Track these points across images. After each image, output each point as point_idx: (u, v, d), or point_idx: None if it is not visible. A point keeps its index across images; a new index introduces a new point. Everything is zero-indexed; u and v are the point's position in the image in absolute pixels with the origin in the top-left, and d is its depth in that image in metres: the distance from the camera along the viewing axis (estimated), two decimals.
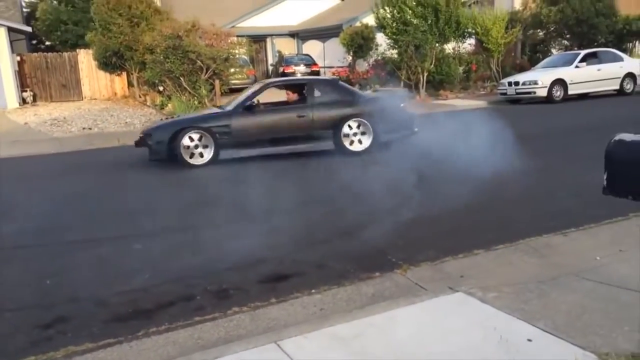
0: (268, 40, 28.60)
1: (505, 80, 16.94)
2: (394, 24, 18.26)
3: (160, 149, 8.86)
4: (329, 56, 26.01)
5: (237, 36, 17.25)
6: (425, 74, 18.51)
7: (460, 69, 19.98)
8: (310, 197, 6.96)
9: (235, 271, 4.48)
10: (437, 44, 18.36)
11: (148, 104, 19.19)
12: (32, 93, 21.72)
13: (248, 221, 5.91)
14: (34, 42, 26.49)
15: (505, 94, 16.67)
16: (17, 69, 20.85)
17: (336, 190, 7.15)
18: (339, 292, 3.99)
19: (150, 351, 3.32)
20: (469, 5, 28.89)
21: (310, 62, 25.16)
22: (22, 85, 21.34)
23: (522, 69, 19.88)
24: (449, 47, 19.80)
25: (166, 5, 22.88)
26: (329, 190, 7.24)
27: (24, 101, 20.95)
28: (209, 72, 14.74)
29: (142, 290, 4.20)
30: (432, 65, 18.50)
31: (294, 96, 9.96)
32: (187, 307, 3.88)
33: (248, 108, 9.12)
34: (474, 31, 19.73)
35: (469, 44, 20.90)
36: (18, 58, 21.38)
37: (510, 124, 9.93)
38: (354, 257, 4.66)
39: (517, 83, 16.22)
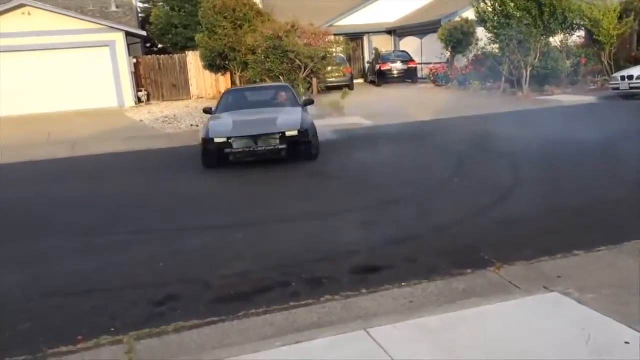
0: (365, 37, 28.71)
1: (618, 75, 15.82)
2: (496, 18, 17.66)
3: None
4: (426, 52, 25.66)
5: (335, 35, 17.57)
6: (529, 69, 17.74)
7: (568, 63, 18.92)
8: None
9: (329, 261, 4.67)
10: (542, 38, 17.53)
11: None
12: (146, 93, 23.40)
13: (348, 212, 6.10)
14: (148, 45, 28.47)
15: (617, 89, 15.58)
16: (133, 70, 22.55)
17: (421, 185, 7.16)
18: (430, 287, 4.05)
19: (250, 330, 3.59)
20: None
21: (407, 58, 24.97)
22: (138, 86, 23.04)
23: (637, 62, 18.45)
24: (556, 40, 18.82)
25: (267, 7, 23.71)
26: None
27: (139, 100, 22.63)
28: (307, 70, 15.14)
29: (242, 275, 4.51)
30: (537, 60, 17.69)
31: None
32: (284, 292, 4.12)
33: None
34: (582, 23, 18.60)
35: (577, 37, 19.73)
36: (134, 60, 23.11)
37: (620, 120, 9.35)
38: (446, 253, 4.68)
39: (631, 77, 15.09)
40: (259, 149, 8.32)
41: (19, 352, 3.48)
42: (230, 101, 9.98)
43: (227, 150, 8.19)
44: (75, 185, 8.73)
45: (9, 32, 19.76)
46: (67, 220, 6.67)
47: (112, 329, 3.70)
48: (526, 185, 6.87)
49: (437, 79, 22.42)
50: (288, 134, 8.37)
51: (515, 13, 17.20)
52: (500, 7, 17.49)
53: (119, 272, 4.81)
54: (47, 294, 4.39)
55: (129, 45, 22.41)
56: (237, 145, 8.20)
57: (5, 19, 19.94)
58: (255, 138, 8.28)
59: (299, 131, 8.43)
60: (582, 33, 19.79)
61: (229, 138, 8.21)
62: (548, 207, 5.84)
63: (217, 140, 8.20)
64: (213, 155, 8.39)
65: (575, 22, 18.33)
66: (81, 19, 20.95)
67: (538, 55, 17.65)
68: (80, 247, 5.56)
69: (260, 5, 22.78)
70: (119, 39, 21.51)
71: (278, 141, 8.35)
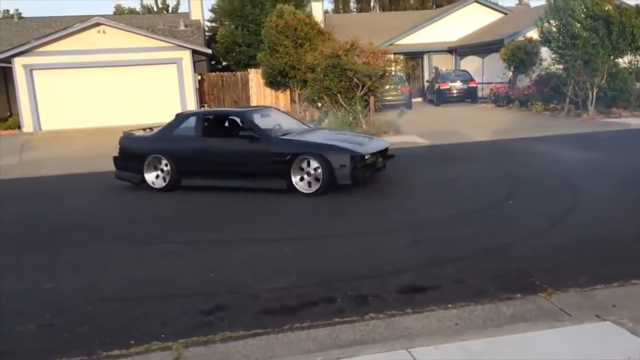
0: (425, 56, 28.59)
1: None
2: (561, 38, 17.21)
3: None
4: (487, 72, 25.25)
5: (394, 53, 17.58)
6: (595, 90, 17.13)
7: (638, 84, 18.13)
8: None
9: (375, 279, 4.68)
10: (609, 58, 16.91)
11: (307, 119, 20.32)
12: (209, 108, 24.21)
13: (397, 229, 6.09)
14: (213, 62, 29.48)
15: None
16: (197, 86, 23.40)
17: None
18: (476, 310, 3.98)
19: (293, 344, 3.64)
20: None
21: (467, 78, 24.65)
22: (201, 101, 23.87)
23: None
24: (624, 60, 18.10)
25: (328, 26, 24.08)
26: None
27: None
28: (364, 89, 15.21)
29: (288, 289, 4.58)
30: (603, 81, 17.07)
31: None
32: (328, 308, 4.16)
33: None
34: None
35: None
36: (199, 77, 23.99)
37: None
38: (495, 276, 4.59)
39: None
40: (379, 164, 8.67)
41: (75, 353, 3.67)
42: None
43: (360, 165, 8.04)
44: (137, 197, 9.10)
45: (84, 48, 21.00)
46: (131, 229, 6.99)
47: (163, 335, 3.85)
48: (585, 210, 6.64)
49: (498, 99, 21.99)
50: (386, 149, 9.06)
51: (582, 33, 16.72)
52: (565, 27, 17.04)
53: (171, 280, 4.99)
54: (104, 299, 4.61)
55: (194, 62, 23.29)
56: (369, 160, 8.31)
57: (81, 37, 21.22)
58: (377, 154, 8.60)
59: (387, 148, 9.12)
60: None
61: (365, 155, 8.19)
62: (607, 234, 5.62)
63: (367, 157, 8.17)
64: (361, 171, 8.09)
65: None
66: (152, 37, 21.97)
67: (605, 76, 17.03)
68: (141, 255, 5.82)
69: (322, 25, 23.17)
70: (186, 57, 22.41)
71: (381, 157, 8.79)
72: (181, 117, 9.43)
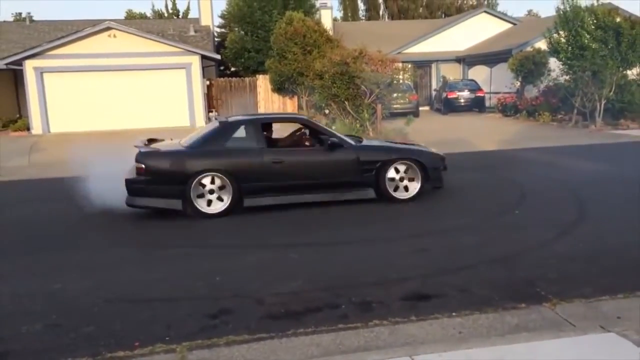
0: (433, 65, 28.63)
1: None
2: (569, 49, 17.21)
3: None
4: (495, 82, 25.25)
5: (402, 62, 17.66)
6: (603, 102, 17.10)
7: None
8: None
9: (380, 286, 4.69)
10: (618, 70, 16.88)
11: None
12: (216, 113, 24.30)
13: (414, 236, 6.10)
14: (222, 67, 29.65)
15: None
16: (205, 91, 23.53)
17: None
18: (480, 318, 3.98)
19: (297, 349, 3.66)
20: None
21: (475, 87, 24.65)
22: (209, 106, 24.00)
23: None
24: (633, 72, 18.07)
25: (337, 33, 24.19)
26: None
27: (209, 120, 23.54)
28: (372, 96, 15.25)
29: (294, 294, 4.60)
30: (612, 93, 17.04)
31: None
32: (332, 314, 4.17)
33: None
34: None
35: None
36: (207, 82, 24.13)
37: None
38: (501, 285, 4.59)
39: None
40: None
41: (80, 354, 3.70)
42: None
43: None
44: None
45: (95, 52, 21.19)
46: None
47: (167, 338, 3.87)
48: (591, 221, 6.62)
49: (506, 109, 21.98)
50: None
51: (591, 44, 16.71)
52: (574, 38, 17.04)
53: (178, 283, 5.02)
54: (110, 300, 4.64)
55: (203, 67, 23.44)
56: None
57: (92, 41, 21.41)
58: None
59: None
60: None
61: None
62: (613, 245, 5.61)
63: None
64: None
65: None
66: (162, 42, 22.14)
67: (613, 87, 17.00)
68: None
69: (331, 32, 23.27)
70: (195, 62, 22.55)
71: None
72: (231, 125, 7.92)
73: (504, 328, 3.81)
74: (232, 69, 29.27)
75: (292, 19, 20.43)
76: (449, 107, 24.27)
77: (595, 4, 17.40)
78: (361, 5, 46.56)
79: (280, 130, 9.18)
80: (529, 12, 43.83)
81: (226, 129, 7.83)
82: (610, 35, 16.51)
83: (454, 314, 4.07)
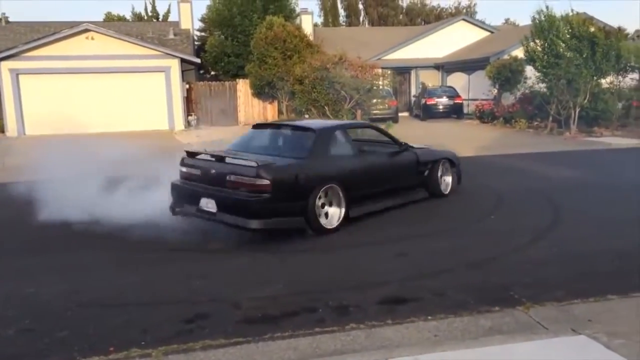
0: (412, 72, 28.89)
1: None
2: (545, 57, 17.54)
3: None
4: (473, 89, 25.58)
5: (382, 68, 17.82)
6: (578, 110, 17.46)
7: (619, 105, 18.52)
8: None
9: (357, 290, 4.72)
10: (592, 78, 17.26)
11: None
12: (196, 117, 24.16)
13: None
14: (202, 71, 29.50)
15: None
16: (185, 95, 23.38)
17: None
18: (456, 321, 4.04)
19: (274, 353, 3.66)
20: (633, 39, 26.81)
21: (453, 94, 24.94)
22: (188, 110, 23.85)
23: None
24: (607, 81, 18.49)
25: (318, 39, 24.30)
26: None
27: (189, 124, 23.39)
28: (352, 102, 15.37)
29: (272, 298, 4.61)
30: (586, 101, 17.40)
31: None
32: (310, 318, 4.19)
33: None
34: (638, 65, 18.25)
35: (630, 79, 19.34)
36: (187, 86, 23.98)
37: None
38: (475, 290, 4.66)
39: None
40: None
41: (53, 359, 3.66)
42: None
43: None
44: None
45: (72, 54, 20.93)
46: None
47: (143, 343, 3.84)
48: (564, 226, 6.75)
49: (483, 116, 22.28)
50: None
51: (566, 53, 17.06)
52: (550, 46, 17.38)
53: (154, 287, 4.99)
54: (85, 304, 4.59)
55: (183, 71, 23.30)
56: None
57: (70, 42, 21.15)
58: None
59: None
60: (635, 75, 19.39)
61: None
62: (585, 250, 5.73)
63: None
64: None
65: (629, 63, 18.02)
66: (140, 45, 21.96)
67: (587, 95, 17.36)
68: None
69: (311, 37, 23.36)
70: (174, 65, 22.42)
71: None
72: (327, 131, 7.27)
73: (478, 331, 3.87)
74: (212, 72, 29.15)
75: (273, 24, 20.47)
76: (428, 113, 24.50)
77: (571, 13, 17.77)
78: (342, 12, 46.84)
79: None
80: (507, 20, 44.51)
81: (323, 135, 7.11)
82: (585, 44, 16.87)
83: (429, 317, 4.11)
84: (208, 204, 6.42)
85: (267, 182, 6.08)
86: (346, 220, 6.76)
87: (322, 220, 6.55)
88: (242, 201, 6.15)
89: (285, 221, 6.30)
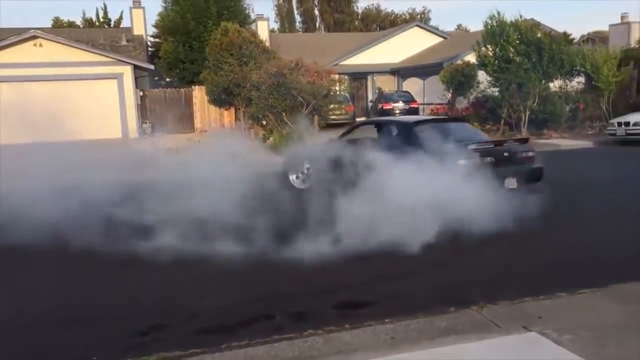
0: (369, 77, 29.21)
1: (615, 121, 16.04)
2: (496, 62, 18.05)
3: None
4: (428, 93, 26.05)
5: (339, 74, 17.92)
6: (528, 113, 18.01)
7: (567, 107, 19.20)
8: None
9: (316, 296, 4.72)
10: (540, 82, 17.85)
11: (252, 136, 20.28)
12: (150, 125, 23.71)
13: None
14: (156, 78, 29.01)
15: (614, 134, 15.78)
16: (139, 102, 22.95)
17: None
18: (412, 323, 4.08)
19: None
20: (579, 44, 27.87)
21: (409, 99, 25.32)
22: (143, 118, 23.40)
23: (636, 109, 18.70)
24: (555, 85, 19.16)
25: (274, 44, 24.26)
26: None
27: (143, 132, 22.94)
28: (309, 107, 15.40)
29: (230, 306, 4.55)
30: (535, 104, 17.98)
31: None
32: (267, 325, 4.16)
33: None
34: (582, 69, 18.98)
35: (577, 82, 20.09)
36: (141, 93, 23.54)
37: (612, 166, 9.48)
38: (431, 291, 4.73)
39: (627, 124, 15.30)
40: None
41: None
42: None
43: None
44: None
45: (19, 62, 20.23)
46: None
47: (95, 359, 3.73)
48: (516, 226, 6.91)
49: None
50: None
51: (515, 58, 17.59)
52: (500, 51, 17.88)
53: (105, 300, 4.85)
54: (29, 324, 4.42)
55: (137, 78, 22.88)
56: None
57: (16, 50, 20.47)
58: None
59: None
60: (582, 79, 20.15)
61: None
62: (536, 249, 5.90)
63: None
64: None
65: (575, 67, 18.71)
66: (91, 52, 21.46)
67: (537, 99, 17.94)
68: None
69: (267, 43, 23.30)
70: (127, 72, 21.98)
71: None
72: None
73: (433, 332, 3.92)
74: (167, 79, 28.71)
75: (228, 30, 20.32)
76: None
77: (520, 19, 18.34)
78: (298, 17, 46.99)
79: None
80: (459, 26, 45.54)
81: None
82: (533, 49, 17.44)
83: (387, 320, 4.14)
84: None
85: None
86: None
87: None
88: None
89: None
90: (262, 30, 27.47)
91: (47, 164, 7.62)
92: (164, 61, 25.93)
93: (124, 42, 25.44)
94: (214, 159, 8.12)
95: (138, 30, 27.60)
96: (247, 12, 27.34)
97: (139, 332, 4.12)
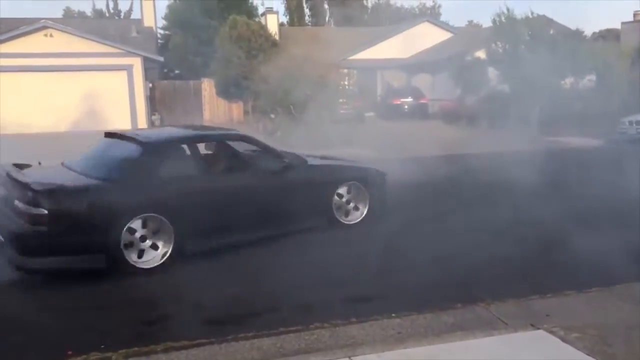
0: (378, 72, 29.12)
1: (626, 119, 15.88)
2: (507, 59, 17.92)
3: None
4: (437, 89, 25.95)
5: (348, 68, 17.88)
6: (538, 110, 17.88)
7: (578, 105, 19.03)
8: None
9: (323, 290, 4.72)
10: (554, 80, 17.71)
11: (260, 130, 20.28)
12: (159, 116, 23.78)
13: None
14: (166, 70, 29.08)
15: (625, 133, 15.63)
16: (148, 94, 23.00)
17: None
18: (419, 319, 4.08)
19: (237, 353, 3.63)
20: (591, 41, 27.58)
21: (418, 94, 25.22)
22: (152, 110, 23.46)
23: None
24: (567, 82, 19.01)
25: (284, 38, 24.25)
26: None
27: (152, 123, 23.00)
28: (317, 102, 15.34)
29: (237, 298, 4.57)
30: (546, 102, 17.83)
31: None
32: (274, 318, 4.17)
33: None
34: (594, 67, 18.79)
35: (588, 80, 19.90)
36: (150, 84, 23.59)
37: (621, 165, 9.40)
38: (438, 287, 4.73)
39: (638, 122, 15.16)
40: None
41: None
42: None
43: None
44: None
45: (30, 52, 20.33)
46: None
47: (102, 346, 3.76)
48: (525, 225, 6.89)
49: (447, 116, 22.58)
50: None
51: (527, 54, 17.44)
52: (510, 48, 17.76)
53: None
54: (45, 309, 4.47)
55: (146, 69, 22.92)
56: None
57: (27, 40, 20.56)
58: None
59: None
60: (593, 77, 19.95)
61: None
62: (534, 248, 5.88)
63: None
64: None
65: (587, 65, 18.48)
66: (101, 43, 21.50)
67: (547, 97, 17.79)
68: None
69: (277, 37, 23.27)
70: (137, 64, 22.01)
71: None
72: (158, 145, 6.08)
73: (440, 327, 3.92)
74: (177, 71, 28.78)
75: (237, 23, 20.32)
76: (393, 113, 24.70)
77: (530, 16, 18.19)
78: (307, 11, 46.80)
79: None
80: (470, 22, 45.27)
81: (151, 151, 5.83)
82: (544, 46, 17.28)
83: (393, 314, 4.14)
84: None
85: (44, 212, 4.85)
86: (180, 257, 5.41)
87: (133, 258, 5.20)
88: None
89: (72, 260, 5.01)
90: (272, 24, 27.44)
91: None
92: (173, 53, 26.00)
93: (133, 34, 25.49)
94: None
95: (148, 22, 27.64)
96: (254, 4, 27.26)
97: (146, 322, 4.14)
